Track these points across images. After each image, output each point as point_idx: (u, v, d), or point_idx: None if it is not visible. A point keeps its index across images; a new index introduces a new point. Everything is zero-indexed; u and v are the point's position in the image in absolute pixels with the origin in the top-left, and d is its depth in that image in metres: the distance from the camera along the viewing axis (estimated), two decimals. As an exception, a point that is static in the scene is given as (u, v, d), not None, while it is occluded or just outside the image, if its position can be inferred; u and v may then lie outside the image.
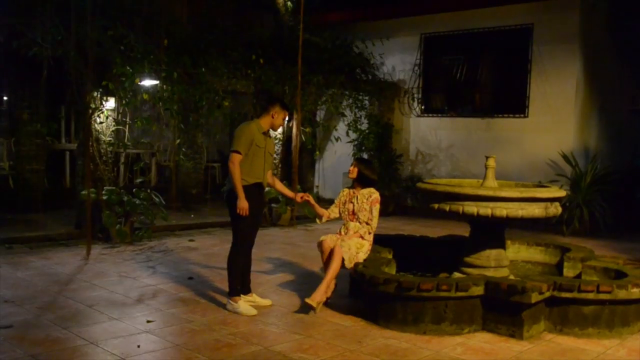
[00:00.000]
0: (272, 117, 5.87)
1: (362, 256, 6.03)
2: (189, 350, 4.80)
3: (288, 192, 6.39)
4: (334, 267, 5.87)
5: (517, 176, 10.14)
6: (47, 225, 9.67)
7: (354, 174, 6.25)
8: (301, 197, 6.27)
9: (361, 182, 6.26)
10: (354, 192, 6.29)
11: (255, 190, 5.80)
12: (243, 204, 5.63)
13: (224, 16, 12.29)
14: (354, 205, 6.23)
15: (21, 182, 10.99)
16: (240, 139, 5.69)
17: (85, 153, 8.67)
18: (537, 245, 7.16)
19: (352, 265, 5.91)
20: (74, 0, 8.01)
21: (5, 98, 11.28)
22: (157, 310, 5.81)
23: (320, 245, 6.12)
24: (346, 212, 6.27)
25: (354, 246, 6.02)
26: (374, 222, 6.17)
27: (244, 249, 5.91)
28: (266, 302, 6.08)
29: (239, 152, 5.65)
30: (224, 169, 5.95)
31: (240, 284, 5.92)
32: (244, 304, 5.80)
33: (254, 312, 5.73)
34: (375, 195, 6.21)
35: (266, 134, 5.91)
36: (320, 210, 6.34)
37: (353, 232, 6.17)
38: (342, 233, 6.25)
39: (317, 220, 6.43)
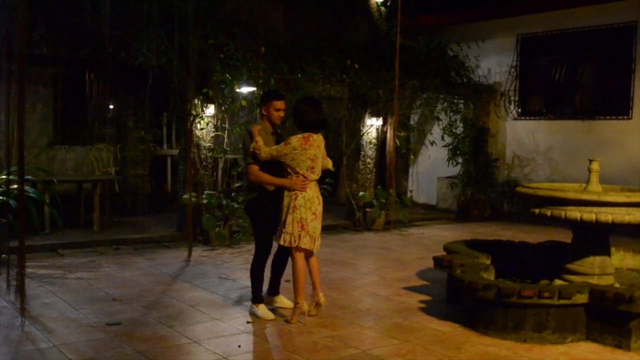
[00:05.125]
0: (265, 114, 5.71)
1: (295, 218, 5.53)
2: (288, 351, 4.88)
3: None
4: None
5: (620, 180, 9.74)
6: (151, 228, 10.07)
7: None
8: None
9: (300, 126, 5.58)
10: None
11: (276, 196, 5.68)
12: (292, 183, 5.48)
13: (319, 22, 12.46)
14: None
15: (126, 186, 11.54)
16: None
17: (187, 158, 8.97)
18: (644, 252, 6.87)
19: (288, 243, 5.60)
20: (177, 12, 8.33)
21: (111, 106, 11.85)
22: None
23: None
24: None
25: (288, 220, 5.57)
26: (264, 149, 5.42)
27: (266, 255, 5.86)
28: (290, 303, 5.94)
29: (252, 163, 5.54)
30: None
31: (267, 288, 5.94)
32: (263, 309, 5.74)
33: (271, 316, 5.69)
34: (294, 136, 5.47)
35: (275, 133, 5.77)
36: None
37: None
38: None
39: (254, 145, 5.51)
